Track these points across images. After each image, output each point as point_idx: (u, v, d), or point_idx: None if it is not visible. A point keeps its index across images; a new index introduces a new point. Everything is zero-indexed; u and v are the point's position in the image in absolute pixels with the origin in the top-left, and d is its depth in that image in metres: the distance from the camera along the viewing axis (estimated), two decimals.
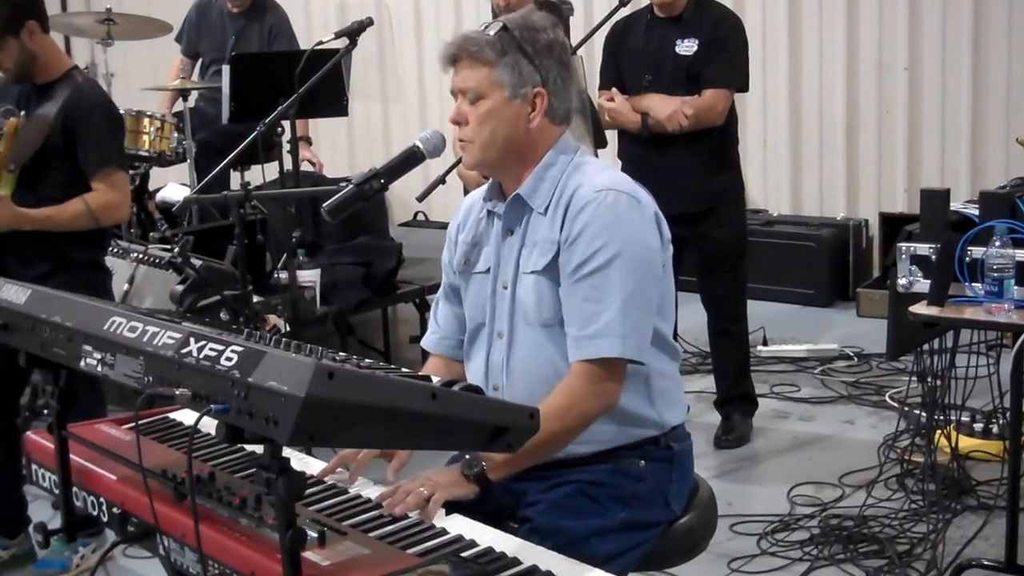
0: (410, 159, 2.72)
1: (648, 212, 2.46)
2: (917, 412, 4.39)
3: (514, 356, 2.50)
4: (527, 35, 2.43)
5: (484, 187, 2.64)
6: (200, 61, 6.73)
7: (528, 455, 2.28)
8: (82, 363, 2.01)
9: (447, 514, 2.18)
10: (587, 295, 2.37)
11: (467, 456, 2.29)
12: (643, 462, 2.50)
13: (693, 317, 5.16)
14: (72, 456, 2.32)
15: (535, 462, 2.37)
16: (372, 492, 2.26)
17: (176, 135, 6.00)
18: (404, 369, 2.04)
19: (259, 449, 1.69)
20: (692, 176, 4.53)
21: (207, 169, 4.99)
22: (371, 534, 2.02)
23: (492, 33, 2.42)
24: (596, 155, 4.07)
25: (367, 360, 1.92)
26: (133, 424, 2.44)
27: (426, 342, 2.77)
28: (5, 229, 3.69)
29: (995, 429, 4.38)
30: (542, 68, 2.44)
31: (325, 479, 2.34)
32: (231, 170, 5.40)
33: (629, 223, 2.41)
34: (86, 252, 3.85)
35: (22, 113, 3.74)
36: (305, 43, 6.37)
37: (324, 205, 2.68)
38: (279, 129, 4.89)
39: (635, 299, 2.38)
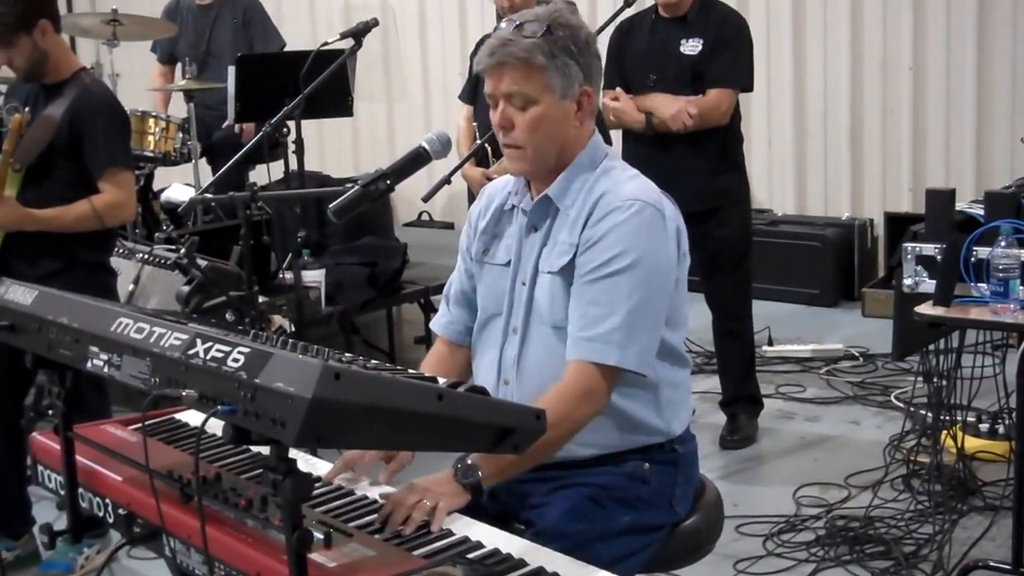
0: (416, 160, 2.72)
1: (671, 226, 2.45)
2: (923, 412, 4.39)
3: (527, 353, 2.50)
4: (570, 34, 2.40)
5: (508, 177, 2.62)
6: (179, 65, 6.72)
7: (520, 461, 2.25)
8: (89, 364, 2.01)
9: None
10: (594, 298, 2.37)
11: (460, 464, 2.25)
12: (647, 465, 2.50)
13: (698, 317, 5.13)
14: (78, 457, 2.32)
15: (527, 467, 2.33)
16: (378, 494, 2.26)
17: (181, 135, 6.02)
18: (410, 370, 2.04)
19: (265, 450, 1.69)
20: (696, 176, 4.53)
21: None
22: (377, 536, 2.01)
23: (539, 36, 2.36)
24: None
25: (373, 361, 1.92)
26: (139, 425, 2.44)
27: (435, 324, 2.75)
28: (11, 229, 3.70)
29: (1001, 429, 4.37)
30: (586, 66, 2.42)
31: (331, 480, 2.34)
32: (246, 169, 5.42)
33: (650, 235, 2.39)
34: (92, 253, 3.85)
35: (27, 110, 3.75)
36: (310, 44, 6.37)
37: (331, 206, 2.67)
38: (285, 130, 4.89)
39: (641, 311, 2.37)
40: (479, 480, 2.24)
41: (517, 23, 2.40)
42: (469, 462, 2.25)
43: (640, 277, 2.37)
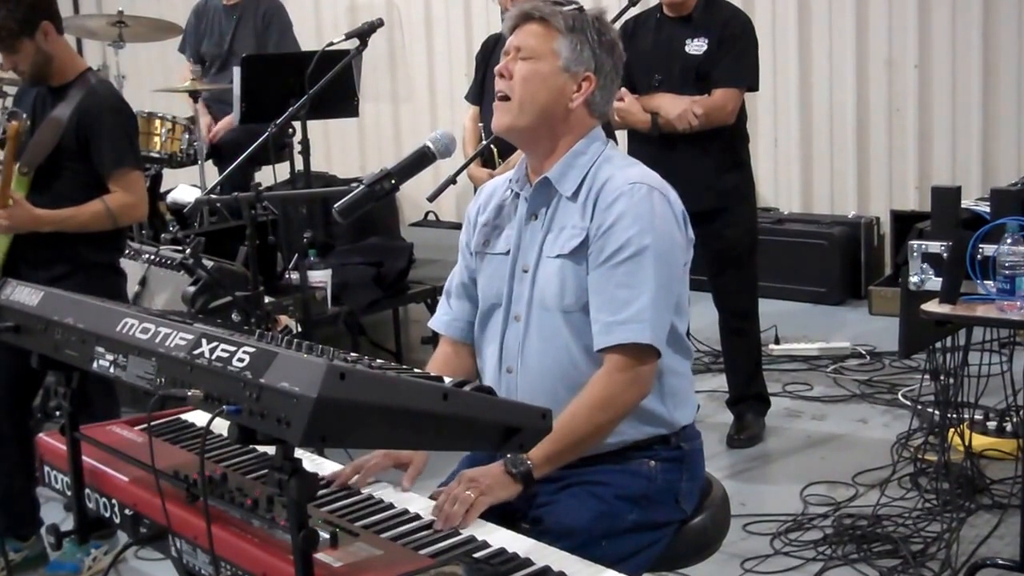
0: (421, 159, 2.72)
1: (677, 210, 2.50)
2: (930, 410, 4.38)
3: (529, 340, 2.51)
4: (598, 25, 2.51)
5: (508, 173, 2.66)
6: (205, 64, 6.74)
7: (573, 448, 2.34)
8: (95, 365, 2.02)
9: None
10: (621, 281, 2.39)
11: (510, 454, 2.28)
12: (652, 462, 2.50)
13: (704, 316, 5.15)
14: (84, 458, 2.32)
15: (579, 455, 2.38)
16: (385, 493, 2.26)
17: (187, 136, 6.03)
18: (416, 370, 2.04)
19: (271, 450, 1.69)
20: (703, 175, 4.52)
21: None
22: (383, 535, 2.01)
23: (567, 8, 2.48)
24: None
25: (378, 361, 1.92)
26: (145, 425, 2.44)
27: (436, 323, 2.76)
28: (24, 231, 3.70)
29: (1008, 427, 4.36)
30: (599, 58, 2.49)
31: None
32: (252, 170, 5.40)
33: (661, 218, 2.44)
34: (101, 254, 3.85)
35: (25, 116, 3.75)
36: (315, 44, 6.38)
37: (335, 206, 2.68)
38: (290, 130, 4.90)
39: (663, 292, 2.41)
40: (529, 469, 2.28)
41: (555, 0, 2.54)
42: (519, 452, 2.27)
43: (658, 257, 2.40)
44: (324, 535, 1.86)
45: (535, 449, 2.26)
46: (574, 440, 2.34)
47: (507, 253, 2.57)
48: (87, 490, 2.32)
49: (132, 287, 4.63)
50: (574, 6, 2.51)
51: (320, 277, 5.15)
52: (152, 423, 2.56)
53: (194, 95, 6.21)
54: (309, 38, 7.83)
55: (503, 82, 2.50)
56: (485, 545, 2.00)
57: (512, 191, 2.62)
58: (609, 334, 2.39)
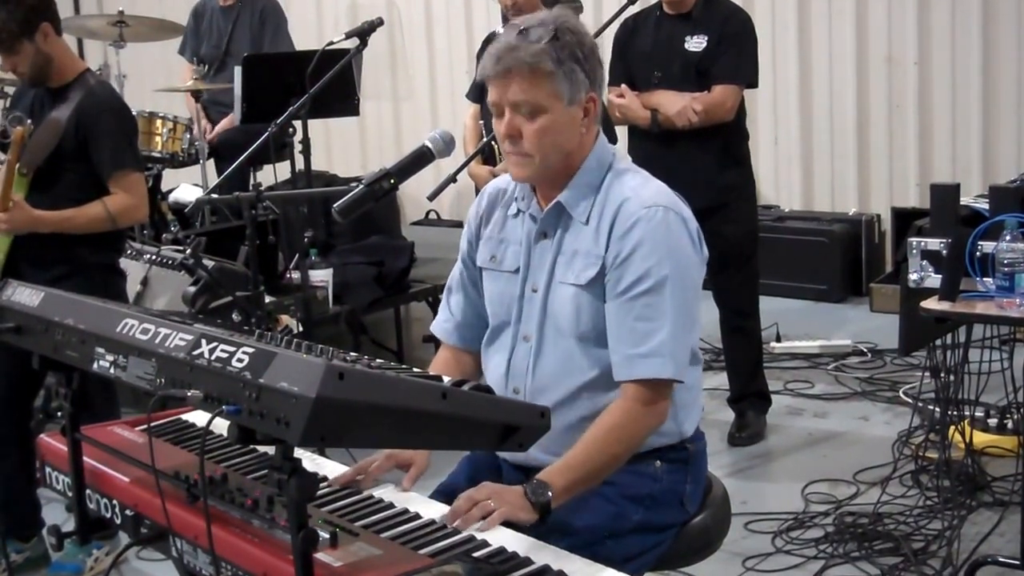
0: (420, 159, 2.72)
1: (692, 228, 2.46)
2: (931, 408, 4.38)
3: (542, 363, 2.48)
4: (575, 38, 2.37)
5: (507, 176, 2.60)
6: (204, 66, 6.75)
7: (589, 478, 2.32)
8: (95, 365, 2.02)
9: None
10: (640, 314, 2.36)
11: (533, 481, 2.26)
12: (658, 463, 2.49)
13: (705, 314, 5.12)
14: (85, 458, 2.32)
15: (595, 484, 2.36)
16: (385, 493, 2.26)
17: (188, 136, 6.03)
18: (415, 369, 2.04)
19: (271, 450, 1.70)
20: (703, 172, 4.52)
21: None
22: (383, 535, 2.01)
23: (546, 42, 2.33)
24: None
25: (378, 360, 1.92)
26: (146, 426, 2.44)
27: (437, 328, 2.73)
28: (23, 232, 3.70)
29: (1009, 424, 4.36)
30: (591, 72, 2.40)
31: None
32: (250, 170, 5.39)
33: (679, 242, 2.41)
34: (101, 255, 3.85)
35: (29, 121, 3.75)
36: (316, 43, 6.39)
37: (334, 205, 2.68)
38: (291, 129, 4.90)
39: (682, 319, 2.39)
40: (549, 500, 2.24)
41: (522, 28, 2.37)
42: (540, 479, 2.26)
43: (678, 286, 2.38)
44: (324, 535, 1.86)
45: (554, 479, 2.26)
46: (591, 471, 2.32)
47: (516, 271, 2.54)
48: (88, 491, 2.32)
49: (133, 287, 4.63)
50: (548, 33, 2.34)
51: (321, 276, 5.16)
52: (152, 423, 2.56)
53: (196, 95, 6.21)
54: (310, 37, 7.84)
55: (516, 144, 2.39)
56: (484, 544, 2.00)
57: (518, 208, 2.57)
58: (631, 367, 2.36)
